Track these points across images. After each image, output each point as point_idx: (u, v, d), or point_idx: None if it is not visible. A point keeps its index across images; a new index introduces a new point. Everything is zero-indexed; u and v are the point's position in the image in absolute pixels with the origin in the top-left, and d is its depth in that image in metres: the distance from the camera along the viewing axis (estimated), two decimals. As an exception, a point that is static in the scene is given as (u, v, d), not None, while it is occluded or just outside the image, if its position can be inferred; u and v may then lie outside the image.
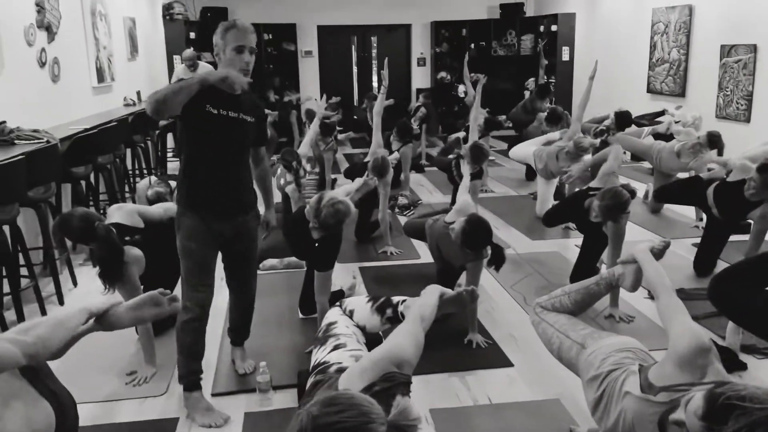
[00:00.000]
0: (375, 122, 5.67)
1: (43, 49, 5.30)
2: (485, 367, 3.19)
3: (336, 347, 2.22)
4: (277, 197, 5.89)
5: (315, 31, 11.44)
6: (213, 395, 2.96)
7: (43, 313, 3.83)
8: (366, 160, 5.40)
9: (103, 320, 1.82)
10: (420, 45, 11.88)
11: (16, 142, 4.19)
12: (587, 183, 4.48)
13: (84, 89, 6.38)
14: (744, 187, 3.94)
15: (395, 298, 2.43)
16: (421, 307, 2.17)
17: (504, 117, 9.21)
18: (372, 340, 2.44)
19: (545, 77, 10.78)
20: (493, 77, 10.97)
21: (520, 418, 2.74)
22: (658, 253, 2.45)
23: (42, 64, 5.29)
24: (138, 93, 7.64)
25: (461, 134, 7.07)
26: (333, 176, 7.04)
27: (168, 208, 3.52)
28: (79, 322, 1.76)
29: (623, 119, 6.92)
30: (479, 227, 3.41)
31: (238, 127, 2.68)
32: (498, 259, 3.45)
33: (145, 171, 6.79)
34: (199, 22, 10.32)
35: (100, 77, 6.79)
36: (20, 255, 3.88)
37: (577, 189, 4.99)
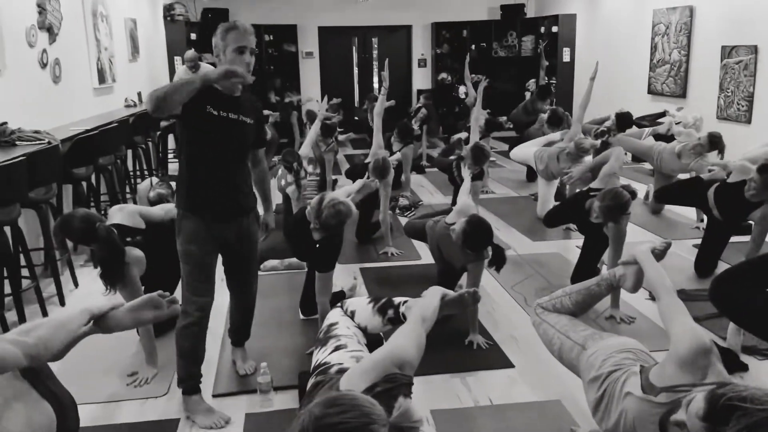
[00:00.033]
0: (375, 123, 5.67)
1: (44, 50, 5.30)
2: (486, 368, 3.19)
3: (337, 348, 2.22)
4: (279, 198, 5.90)
5: (316, 33, 11.45)
6: (214, 396, 2.96)
7: (45, 313, 3.83)
8: (367, 161, 5.41)
9: (101, 323, 1.81)
10: (421, 46, 11.89)
11: (17, 143, 4.19)
12: (588, 184, 4.48)
13: (85, 90, 6.39)
14: (744, 188, 3.94)
15: (397, 299, 2.43)
16: (422, 308, 2.17)
17: (505, 118, 9.22)
18: (373, 341, 2.44)
19: (546, 78, 10.78)
20: (494, 78, 11.00)
21: (521, 419, 2.74)
22: (660, 254, 2.45)
23: (43, 65, 5.30)
24: (139, 94, 7.64)
25: (463, 135, 7.07)
26: (334, 177, 7.04)
27: (169, 209, 3.52)
28: (81, 323, 1.76)
29: (624, 120, 6.93)
30: (480, 228, 3.41)
31: (238, 129, 2.67)
32: (499, 260, 3.46)
33: (146, 172, 6.79)
34: (200, 23, 10.33)
35: (101, 78, 6.80)
36: (21, 256, 3.88)
37: (577, 190, 4.99)
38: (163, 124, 7.31)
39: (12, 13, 4.75)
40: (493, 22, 11.58)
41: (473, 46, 11.45)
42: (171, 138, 8.58)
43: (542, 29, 11.13)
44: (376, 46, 12.07)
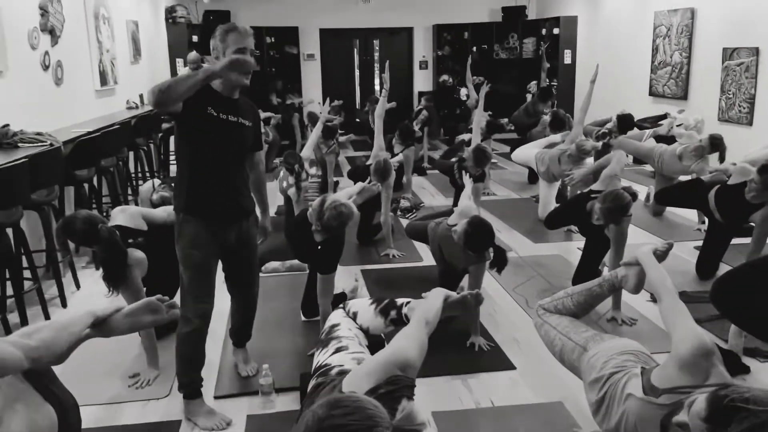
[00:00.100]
0: (377, 125, 5.68)
1: (46, 53, 5.31)
2: (488, 369, 3.19)
3: (338, 350, 2.22)
4: (280, 200, 5.90)
5: (317, 35, 11.47)
6: (215, 398, 2.96)
7: (47, 315, 3.83)
8: (368, 163, 5.41)
9: (100, 326, 1.82)
10: (422, 48, 11.90)
11: (19, 145, 4.20)
12: (589, 186, 4.48)
13: (87, 92, 6.40)
14: (745, 190, 3.95)
15: (399, 300, 2.43)
16: (425, 310, 2.16)
17: (506, 120, 9.23)
18: (374, 342, 2.44)
19: (547, 80, 10.79)
20: (495, 80, 11.01)
21: (523, 421, 2.74)
22: (661, 255, 2.45)
23: (45, 68, 5.31)
24: (141, 96, 7.65)
25: (466, 136, 7.07)
26: (335, 179, 7.05)
27: (171, 211, 3.52)
28: (85, 326, 1.76)
29: (625, 122, 6.92)
30: (481, 229, 3.42)
31: (237, 131, 2.67)
32: (500, 262, 3.46)
33: (147, 174, 6.80)
34: (202, 25, 10.35)
35: (103, 80, 6.81)
36: (23, 257, 3.88)
37: (578, 192, 4.99)
38: (165, 126, 7.32)
39: (14, 15, 4.77)
40: (495, 24, 11.60)
41: (474, 48, 11.46)
42: (173, 140, 8.58)
43: (543, 31, 11.14)
44: (377, 48, 12.08)
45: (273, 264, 4.63)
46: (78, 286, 4.39)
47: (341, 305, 2.62)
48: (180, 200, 2.71)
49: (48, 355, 1.63)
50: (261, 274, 4.39)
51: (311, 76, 11.55)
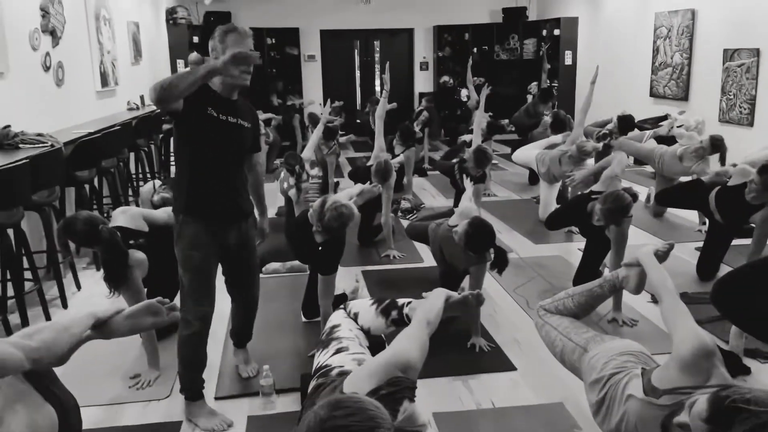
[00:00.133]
0: (377, 126, 5.68)
1: (47, 54, 5.32)
2: (488, 370, 3.19)
3: (338, 350, 2.22)
4: (281, 201, 5.90)
5: (318, 36, 11.47)
6: (216, 399, 2.96)
7: (47, 316, 3.84)
8: (369, 164, 5.41)
9: (101, 328, 1.82)
10: (423, 49, 11.90)
11: (20, 146, 4.20)
12: (590, 186, 4.48)
13: (88, 93, 6.40)
14: (745, 191, 3.95)
15: (400, 300, 2.43)
16: (426, 311, 2.16)
17: (507, 121, 9.23)
18: (375, 343, 2.44)
19: (548, 81, 10.79)
20: (496, 81, 11.01)
21: (524, 421, 2.74)
22: (662, 256, 2.45)
23: (46, 69, 5.31)
24: (141, 97, 7.66)
25: (468, 137, 7.07)
26: (335, 179, 7.05)
27: (172, 212, 3.53)
28: (86, 327, 1.76)
29: (626, 123, 6.91)
30: (482, 230, 3.42)
31: (236, 132, 2.67)
32: (501, 262, 3.46)
33: (148, 175, 6.80)
34: (203, 26, 10.36)
35: (104, 81, 6.81)
36: (24, 258, 3.89)
37: (579, 192, 4.99)
38: (166, 127, 7.33)
39: (15, 16, 4.77)
40: (495, 25, 11.60)
41: (475, 49, 11.46)
42: (173, 141, 8.59)
43: (544, 32, 11.14)
44: (378, 49, 12.09)
45: (274, 265, 4.64)
46: (79, 287, 4.39)
47: (342, 306, 2.62)
48: (179, 201, 2.70)
49: (48, 356, 1.63)
50: (262, 275, 4.40)
51: (312, 77, 11.55)
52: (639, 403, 1.88)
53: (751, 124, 6.67)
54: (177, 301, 2.73)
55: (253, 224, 2.94)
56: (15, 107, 4.67)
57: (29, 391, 1.62)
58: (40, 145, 4.23)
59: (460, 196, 5.71)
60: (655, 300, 3.79)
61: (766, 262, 3.11)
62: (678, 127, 6.91)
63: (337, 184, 6.97)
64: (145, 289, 3.20)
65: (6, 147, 4.18)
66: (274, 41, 11.21)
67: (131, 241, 3.22)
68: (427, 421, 2.60)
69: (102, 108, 6.66)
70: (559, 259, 4.84)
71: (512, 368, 3.21)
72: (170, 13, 9.90)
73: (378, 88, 11.94)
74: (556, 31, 10.63)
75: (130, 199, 6.07)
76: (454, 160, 6.04)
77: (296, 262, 4.51)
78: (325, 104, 7.46)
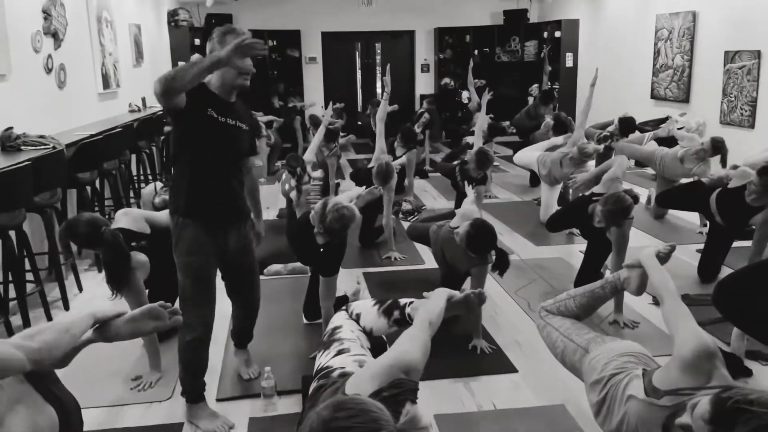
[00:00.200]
0: (378, 128, 5.68)
1: (49, 56, 5.33)
2: (490, 372, 3.19)
3: (339, 352, 2.22)
4: (282, 202, 5.91)
5: (319, 38, 11.49)
6: (217, 400, 2.96)
7: (49, 318, 3.84)
8: (370, 166, 5.42)
9: (102, 332, 1.82)
10: (424, 51, 11.91)
11: (22, 148, 4.21)
12: (591, 188, 4.48)
13: (90, 95, 6.42)
14: (745, 193, 3.95)
15: (402, 301, 2.43)
16: (428, 311, 2.16)
17: (508, 123, 9.24)
18: (376, 344, 2.44)
19: (549, 83, 10.80)
20: (497, 83, 11.02)
21: (525, 423, 2.74)
22: (664, 258, 2.45)
23: (48, 71, 5.33)
24: (143, 99, 7.67)
25: (470, 139, 7.08)
26: (336, 181, 7.06)
27: (173, 214, 3.53)
28: (86, 327, 1.76)
29: (627, 125, 6.92)
30: (484, 231, 3.42)
31: (235, 134, 2.66)
32: (502, 264, 3.46)
33: (150, 177, 6.81)
34: (204, 28, 10.37)
35: (106, 83, 6.83)
36: (26, 260, 3.89)
37: (580, 194, 4.99)
38: (167, 129, 7.34)
39: (18, 18, 4.78)
40: (496, 28, 11.61)
41: (476, 52, 11.47)
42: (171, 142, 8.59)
43: (545, 34, 11.15)
44: (379, 51, 12.10)
45: (275, 267, 4.64)
46: (80, 289, 4.39)
47: (344, 307, 2.63)
48: (178, 202, 2.66)
49: (49, 357, 1.64)
50: (263, 277, 4.41)
51: (313, 79, 11.57)
52: (640, 404, 1.88)
53: (752, 126, 6.67)
54: (178, 303, 2.74)
55: (251, 227, 2.94)
56: (17, 109, 4.68)
57: (30, 392, 1.63)
58: (42, 147, 4.24)
59: (461, 198, 5.71)
60: (656, 302, 3.79)
61: (767, 264, 3.11)
62: (679, 129, 6.91)
63: (337, 185, 6.98)
64: (147, 291, 3.21)
65: (8, 149, 4.19)
66: (275, 43, 11.22)
67: (133, 243, 3.22)
68: (429, 423, 2.61)
69: (104, 110, 6.67)
70: (560, 261, 4.84)
71: (513, 370, 3.21)
72: (172, 15, 9.92)
73: (379, 90, 11.95)
74: (557, 33, 10.64)
75: (132, 200, 6.07)
76: (455, 162, 6.04)
77: (297, 264, 4.51)
78: (326, 107, 7.46)
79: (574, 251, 4.99)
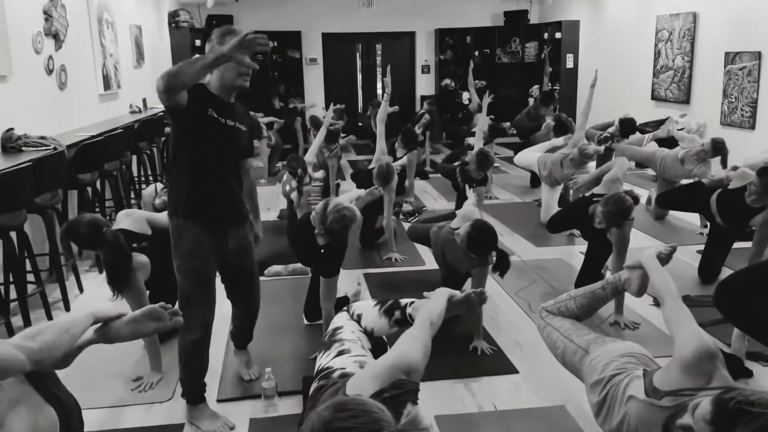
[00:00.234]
0: (379, 129, 5.69)
1: (50, 57, 5.33)
2: (490, 373, 3.19)
3: (340, 353, 2.22)
4: (283, 203, 5.91)
5: (320, 39, 11.50)
6: (218, 401, 2.96)
7: (50, 319, 3.84)
8: (371, 167, 5.42)
9: (103, 333, 1.82)
10: (424, 52, 11.92)
11: (23, 149, 4.22)
12: (591, 189, 4.48)
13: (90, 96, 6.42)
14: (745, 194, 3.95)
15: (403, 301, 2.42)
16: (429, 311, 2.15)
17: (508, 124, 9.24)
18: (376, 345, 2.44)
19: (549, 84, 10.80)
20: (497, 84, 11.04)
21: (526, 424, 2.74)
22: (665, 259, 2.45)
23: (49, 72, 5.33)
24: (144, 100, 7.68)
25: (472, 140, 7.08)
26: (336, 181, 7.06)
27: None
28: (86, 326, 1.77)
29: (627, 126, 6.92)
30: (484, 232, 3.42)
31: (235, 135, 2.66)
32: (503, 265, 3.46)
33: (150, 178, 6.82)
34: (205, 29, 10.38)
35: (107, 84, 6.83)
36: (27, 261, 3.90)
37: (581, 195, 4.99)
38: (168, 130, 7.34)
39: (19, 19, 4.79)
40: (497, 29, 11.62)
41: (477, 53, 11.47)
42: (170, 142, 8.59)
43: (545, 35, 11.15)
44: (379, 52, 12.10)
45: (276, 267, 4.64)
46: (81, 290, 4.40)
47: (345, 308, 2.63)
48: (178, 203, 2.64)
49: (50, 358, 1.64)
50: (263, 278, 4.41)
51: (313, 80, 11.58)
52: (640, 405, 1.88)
53: (752, 127, 6.68)
54: (178, 304, 2.74)
55: (250, 229, 2.93)
56: (18, 110, 4.69)
57: (31, 393, 1.63)
58: (43, 148, 4.25)
59: (462, 199, 5.72)
60: (657, 303, 3.79)
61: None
62: (680, 129, 6.91)
63: (338, 186, 6.99)
64: (147, 292, 3.21)
65: (9, 150, 4.19)
66: (276, 44, 11.23)
67: (134, 244, 3.22)
68: (430, 424, 2.61)
69: (104, 111, 6.67)
70: (560, 262, 4.84)
71: (514, 371, 3.21)
72: (172, 16, 9.93)
73: (379, 92, 11.96)
74: (558, 35, 10.64)
75: (133, 201, 6.08)
76: (456, 163, 6.05)
77: (298, 265, 4.51)
78: (327, 108, 7.46)
79: (575, 252, 4.99)
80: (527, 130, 8.34)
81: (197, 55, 2.45)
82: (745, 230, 4.51)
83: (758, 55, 6.53)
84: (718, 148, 5.32)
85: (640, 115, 7.86)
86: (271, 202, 6.85)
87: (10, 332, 3.51)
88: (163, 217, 3.57)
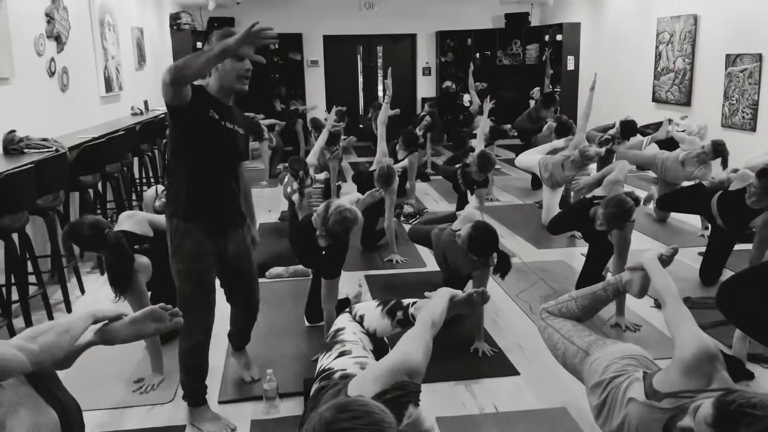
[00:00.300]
0: (379, 132, 5.69)
1: (52, 59, 5.35)
2: (491, 375, 3.19)
3: (341, 354, 2.22)
4: (284, 205, 5.92)
5: (321, 41, 11.51)
6: (219, 403, 2.96)
7: (51, 320, 3.84)
8: (372, 168, 5.42)
9: (104, 334, 1.82)
10: (425, 54, 11.93)
11: (25, 150, 4.23)
12: (592, 191, 4.49)
13: (92, 98, 6.43)
14: (745, 195, 3.95)
15: (405, 301, 2.42)
16: (431, 312, 2.15)
17: (509, 126, 9.24)
18: (377, 346, 2.44)
19: (550, 86, 10.81)
20: (498, 86, 11.04)
21: (527, 426, 2.74)
22: (666, 260, 2.45)
23: (51, 74, 5.34)
24: (145, 102, 7.69)
25: (474, 142, 7.08)
26: (337, 183, 7.06)
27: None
28: (85, 326, 1.77)
29: (628, 128, 6.92)
30: (485, 234, 3.42)
31: (234, 138, 2.66)
32: (504, 266, 3.46)
33: (152, 179, 6.82)
34: (206, 31, 10.39)
35: (108, 87, 6.84)
36: (29, 263, 3.90)
37: (582, 197, 4.99)
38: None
39: (21, 21, 4.80)
40: (498, 31, 11.62)
41: (477, 55, 11.48)
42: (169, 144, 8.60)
43: (546, 38, 11.16)
44: (380, 54, 12.11)
45: (277, 269, 4.64)
46: (83, 291, 4.40)
47: (348, 309, 2.63)
48: (178, 205, 2.63)
49: (51, 359, 1.64)
50: (265, 280, 4.42)
51: (315, 82, 11.59)
52: (640, 407, 1.88)
53: (753, 129, 6.68)
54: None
55: (248, 232, 2.93)
56: (20, 112, 4.70)
57: (32, 395, 1.63)
58: (45, 149, 4.26)
59: (463, 201, 5.72)
60: (658, 305, 3.79)
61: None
62: (681, 131, 6.91)
63: (338, 187, 6.99)
64: (149, 293, 3.21)
65: (11, 152, 4.20)
66: (277, 47, 11.22)
67: (136, 246, 3.23)
68: (432, 426, 2.61)
69: (106, 113, 6.69)
70: (561, 264, 4.84)
71: (515, 373, 3.21)
72: (174, 18, 9.95)
73: (380, 94, 11.97)
74: (559, 37, 10.65)
75: (134, 203, 6.09)
76: (457, 165, 6.05)
77: (299, 267, 4.52)
78: (329, 111, 7.46)
79: (576, 254, 4.99)
80: (528, 132, 8.34)
81: (203, 48, 2.44)
82: (746, 232, 4.51)
83: (759, 57, 6.53)
84: (719, 149, 5.32)
85: (640, 117, 7.86)
86: (272, 203, 6.85)
87: (12, 334, 3.51)
88: (164, 219, 3.57)
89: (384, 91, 10.81)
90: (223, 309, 3.01)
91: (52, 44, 5.40)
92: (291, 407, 2.90)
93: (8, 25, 4.56)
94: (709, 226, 4.76)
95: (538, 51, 11.42)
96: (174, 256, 2.66)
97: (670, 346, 2.06)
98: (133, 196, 6.17)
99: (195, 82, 2.44)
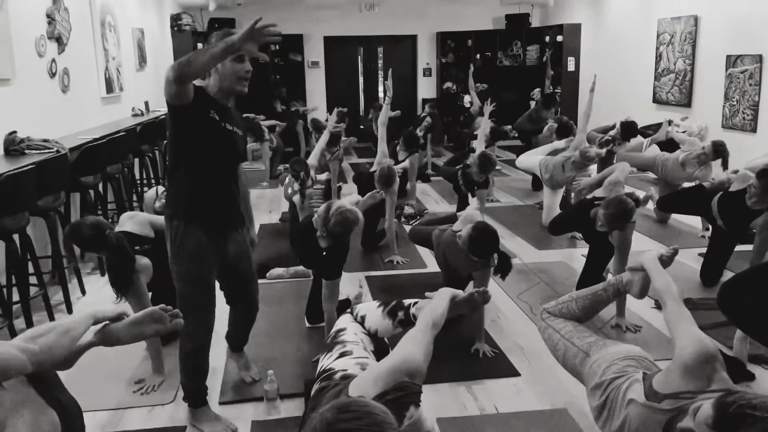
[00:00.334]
0: (380, 133, 5.69)
1: (53, 60, 5.35)
2: (492, 376, 3.19)
3: (342, 354, 2.22)
4: (285, 206, 5.92)
5: (321, 42, 11.52)
6: (220, 404, 2.97)
7: (52, 321, 3.84)
8: (372, 170, 5.43)
9: (104, 335, 1.82)
10: (426, 55, 11.94)
11: (26, 151, 4.23)
12: (593, 192, 4.49)
13: (93, 99, 6.44)
14: (746, 196, 3.95)
15: (406, 301, 2.42)
16: (432, 312, 2.15)
17: (510, 127, 9.25)
18: (378, 346, 2.44)
19: (551, 87, 10.81)
20: (499, 87, 11.04)
21: (527, 427, 2.74)
22: (667, 261, 2.46)
23: (52, 75, 5.35)
24: (146, 103, 7.69)
25: (475, 143, 7.08)
26: (338, 184, 7.06)
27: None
28: (86, 327, 1.77)
29: (629, 129, 6.92)
30: (486, 234, 3.42)
31: (233, 139, 2.66)
32: (504, 267, 3.46)
33: (153, 180, 6.83)
34: (207, 32, 10.40)
35: (109, 88, 6.85)
36: (29, 263, 3.91)
37: (582, 198, 4.99)
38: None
39: (22, 22, 4.80)
40: (498, 32, 11.63)
41: (478, 56, 11.49)
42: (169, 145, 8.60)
43: (547, 39, 11.17)
44: (381, 55, 12.12)
45: (277, 270, 4.64)
46: (83, 292, 4.40)
47: (349, 309, 2.63)
48: (178, 206, 2.62)
49: (51, 359, 1.65)
50: (265, 281, 4.42)
51: (315, 83, 11.60)
52: (640, 408, 1.89)
53: (754, 130, 6.67)
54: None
55: (247, 233, 2.93)
56: (21, 113, 4.70)
57: (33, 395, 1.64)
58: (46, 150, 4.26)
59: (463, 202, 5.73)
60: (658, 306, 3.79)
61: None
62: (681, 132, 6.91)
63: (339, 188, 6.99)
64: (150, 294, 3.21)
65: (12, 152, 4.21)
66: (277, 47, 11.25)
67: (137, 247, 3.23)
68: (433, 427, 2.61)
69: (107, 114, 6.69)
70: (562, 265, 4.84)
71: (516, 374, 3.21)
72: (175, 19, 9.95)
73: (381, 95, 11.97)
74: (559, 38, 10.65)
75: (135, 204, 6.09)
76: (458, 166, 6.05)
77: (300, 267, 4.52)
78: (330, 112, 7.47)
79: (577, 255, 4.99)
80: (529, 133, 8.34)
81: (207, 44, 2.44)
82: (746, 233, 4.51)
83: (759, 58, 6.53)
84: (719, 150, 5.32)
85: (641, 118, 7.86)
86: (273, 204, 6.86)
87: (13, 334, 3.51)
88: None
89: (384, 92, 10.81)
90: (224, 310, 3.01)
91: (53, 45, 5.40)
92: (292, 408, 2.90)
93: (9, 26, 4.57)
94: (710, 227, 4.76)
95: (539, 52, 11.42)
96: (174, 257, 2.66)
97: (670, 347, 2.06)
98: (134, 197, 6.17)
99: (195, 83, 2.44)
